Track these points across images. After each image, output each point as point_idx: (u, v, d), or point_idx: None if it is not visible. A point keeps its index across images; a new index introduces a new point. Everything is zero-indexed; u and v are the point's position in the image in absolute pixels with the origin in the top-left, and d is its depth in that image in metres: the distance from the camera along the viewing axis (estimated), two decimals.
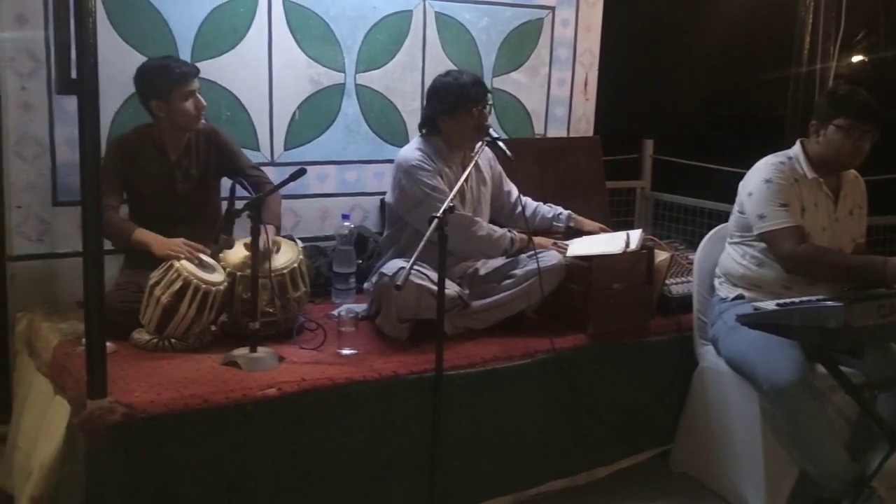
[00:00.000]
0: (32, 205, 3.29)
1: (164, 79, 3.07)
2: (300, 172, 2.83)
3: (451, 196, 2.63)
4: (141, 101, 3.14)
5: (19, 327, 3.27)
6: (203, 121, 3.20)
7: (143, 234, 3.04)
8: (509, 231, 3.31)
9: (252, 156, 3.52)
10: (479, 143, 3.10)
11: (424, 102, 3.33)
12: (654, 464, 3.46)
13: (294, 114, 3.79)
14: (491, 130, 3.11)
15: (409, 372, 2.82)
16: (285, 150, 3.80)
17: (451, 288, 3.09)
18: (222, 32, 3.56)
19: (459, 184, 2.78)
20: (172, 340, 2.87)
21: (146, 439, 2.39)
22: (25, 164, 3.25)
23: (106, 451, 2.34)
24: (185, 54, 3.46)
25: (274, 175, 3.50)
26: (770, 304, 2.83)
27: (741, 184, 3.24)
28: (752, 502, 3.10)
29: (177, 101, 3.08)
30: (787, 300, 2.84)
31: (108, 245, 3.18)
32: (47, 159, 3.29)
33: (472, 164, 2.93)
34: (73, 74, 2.22)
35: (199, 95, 3.13)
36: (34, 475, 2.59)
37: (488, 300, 3.20)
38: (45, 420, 2.73)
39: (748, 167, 3.25)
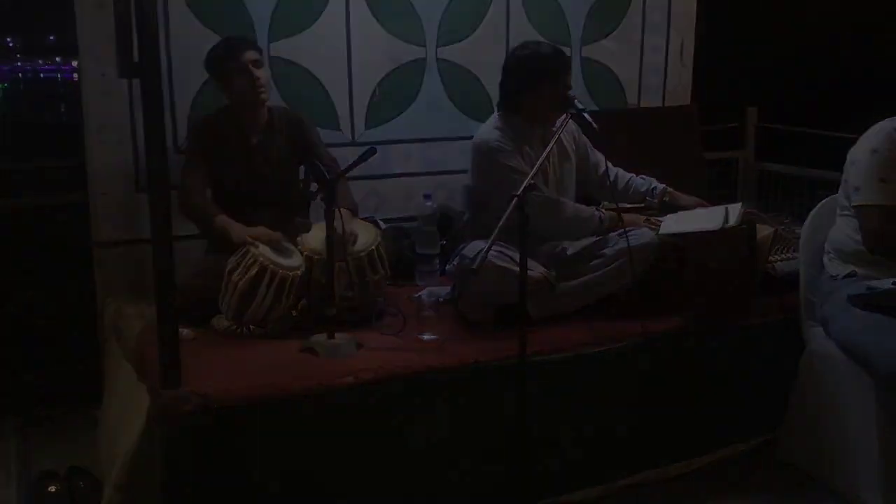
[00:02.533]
0: (117, 191, 3.31)
1: (217, 57, 3.07)
2: (370, 152, 2.74)
3: (531, 175, 2.49)
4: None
5: (108, 313, 3.32)
6: (268, 99, 3.13)
7: (225, 221, 3.01)
8: (598, 209, 3.14)
9: (333, 136, 3.47)
10: (563, 117, 2.94)
11: (500, 79, 3.17)
12: (759, 453, 3.24)
13: (374, 91, 3.71)
14: (575, 102, 2.94)
15: (492, 358, 2.70)
16: (366, 129, 3.72)
17: (537, 269, 2.95)
18: (299, 10, 3.50)
19: (540, 162, 2.64)
20: (251, 327, 2.84)
21: (220, 429, 2.35)
22: (108, 151, 3.27)
23: (180, 440, 2.31)
24: (262, 34, 3.43)
25: (356, 155, 3.41)
26: (886, 283, 2.62)
27: (850, 151, 2.98)
28: (867, 498, 2.86)
29: (231, 78, 3.05)
30: None
31: (193, 230, 3.22)
32: (129, 145, 3.29)
33: (553, 141, 2.77)
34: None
35: (252, 69, 3.02)
36: (117, 462, 2.60)
37: (576, 282, 3.04)
38: (129, 408, 2.74)
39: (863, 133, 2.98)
